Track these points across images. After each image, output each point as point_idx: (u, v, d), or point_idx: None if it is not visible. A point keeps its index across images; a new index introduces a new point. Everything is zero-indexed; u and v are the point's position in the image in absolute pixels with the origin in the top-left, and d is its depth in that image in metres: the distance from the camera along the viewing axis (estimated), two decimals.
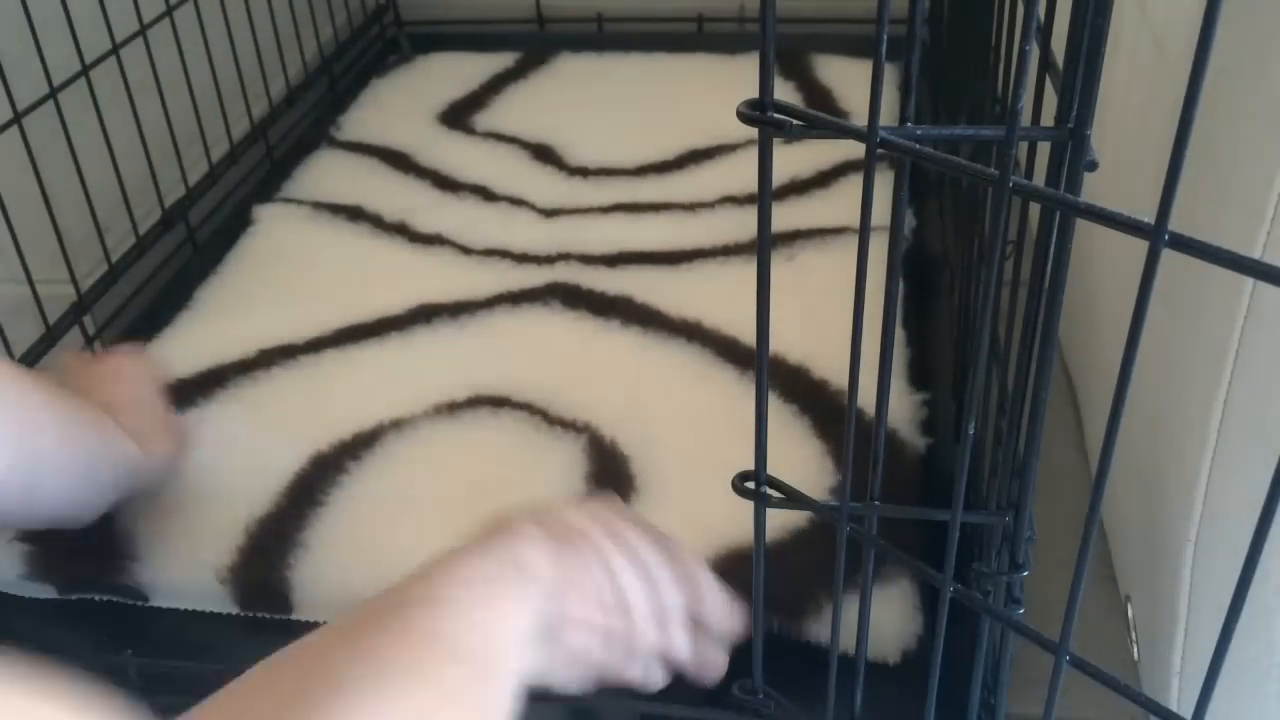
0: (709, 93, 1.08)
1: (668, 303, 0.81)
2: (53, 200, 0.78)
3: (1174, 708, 0.40)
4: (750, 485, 0.45)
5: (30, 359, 0.76)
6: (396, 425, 0.72)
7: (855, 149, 0.34)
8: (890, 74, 0.95)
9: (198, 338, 0.81)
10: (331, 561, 0.62)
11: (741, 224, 0.89)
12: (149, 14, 0.87)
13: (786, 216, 0.88)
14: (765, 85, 0.35)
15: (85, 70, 0.80)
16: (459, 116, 1.09)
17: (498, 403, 0.74)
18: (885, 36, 0.32)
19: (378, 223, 0.93)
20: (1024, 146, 0.35)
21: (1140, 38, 0.56)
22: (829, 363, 0.74)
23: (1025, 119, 0.36)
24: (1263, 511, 0.32)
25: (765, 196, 0.38)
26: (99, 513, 0.62)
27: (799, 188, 0.93)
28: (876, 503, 0.43)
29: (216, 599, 0.63)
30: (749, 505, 0.46)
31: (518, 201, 0.95)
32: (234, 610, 0.63)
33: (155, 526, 0.65)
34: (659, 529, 0.54)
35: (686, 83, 1.12)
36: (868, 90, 0.33)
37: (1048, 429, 0.38)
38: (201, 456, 0.70)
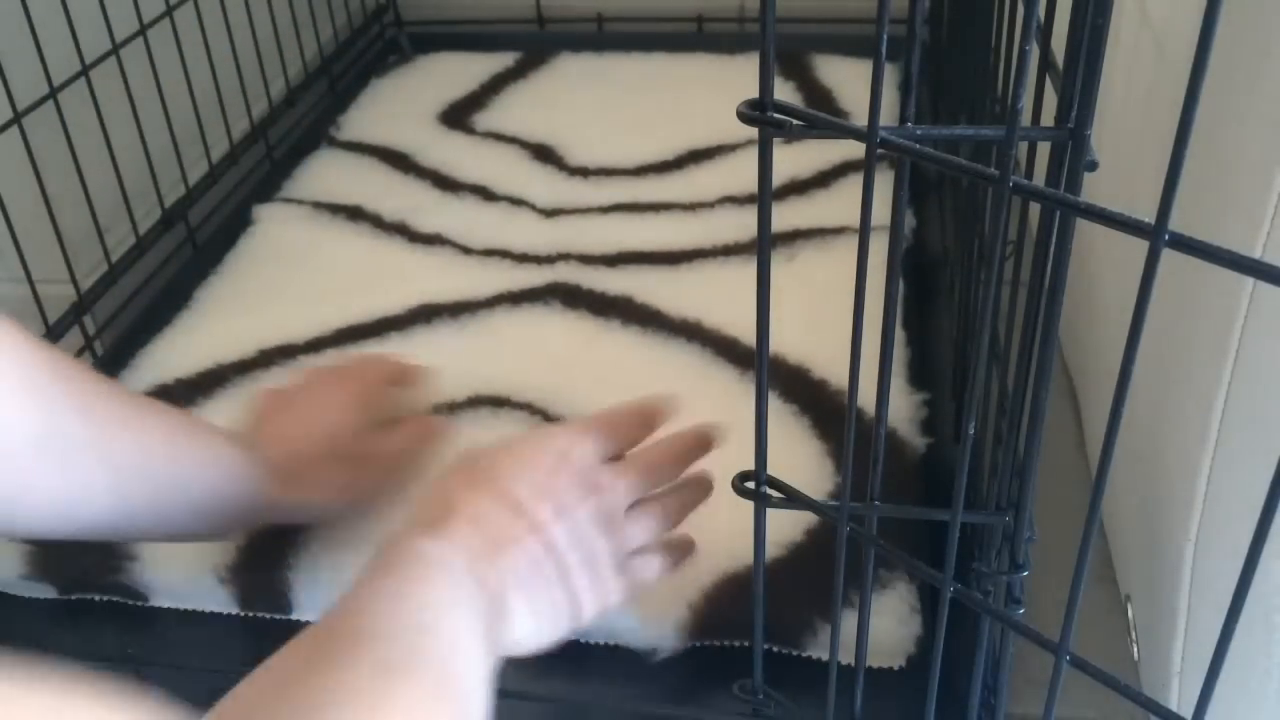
0: (709, 93, 1.08)
1: (668, 303, 0.81)
2: (53, 200, 0.78)
3: (1174, 708, 0.40)
4: (750, 485, 0.45)
5: None
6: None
7: (855, 149, 0.34)
8: (890, 74, 0.95)
9: (198, 338, 0.81)
10: (331, 561, 0.62)
11: (741, 224, 0.89)
12: (149, 14, 0.87)
13: (786, 216, 0.88)
14: (765, 85, 0.35)
15: (85, 70, 0.80)
16: (459, 116, 1.09)
17: (497, 403, 0.74)
18: (885, 36, 0.32)
19: (378, 223, 0.93)
20: (1024, 146, 0.35)
21: (1140, 38, 0.56)
22: (829, 363, 0.74)
23: (1025, 119, 0.36)
24: (1263, 511, 0.32)
25: (765, 196, 0.38)
26: (195, 537, 0.60)
27: (799, 188, 0.93)
28: (876, 503, 0.43)
29: (216, 599, 0.63)
30: (749, 505, 0.46)
31: (518, 201, 0.95)
32: (234, 610, 0.63)
33: None
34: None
35: (686, 83, 1.12)
36: (868, 90, 0.33)
37: (1048, 429, 0.38)
38: None
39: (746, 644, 0.54)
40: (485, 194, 0.97)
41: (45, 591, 0.65)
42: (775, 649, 0.57)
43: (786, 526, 0.62)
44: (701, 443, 0.59)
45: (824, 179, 0.93)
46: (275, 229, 0.93)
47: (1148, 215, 0.30)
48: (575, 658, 0.57)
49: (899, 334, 0.75)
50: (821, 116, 0.36)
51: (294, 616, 0.62)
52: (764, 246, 0.39)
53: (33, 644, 0.63)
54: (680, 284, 0.83)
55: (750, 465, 0.45)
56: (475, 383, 0.75)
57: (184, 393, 0.75)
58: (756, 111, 0.36)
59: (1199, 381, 0.45)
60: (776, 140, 0.37)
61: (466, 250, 0.89)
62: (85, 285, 0.82)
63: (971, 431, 0.38)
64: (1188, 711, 0.37)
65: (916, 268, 0.84)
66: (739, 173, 0.96)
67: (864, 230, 0.36)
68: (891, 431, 0.68)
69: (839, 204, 0.90)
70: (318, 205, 0.95)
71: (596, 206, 0.94)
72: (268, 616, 0.63)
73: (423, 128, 1.07)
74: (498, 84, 1.15)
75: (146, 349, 0.81)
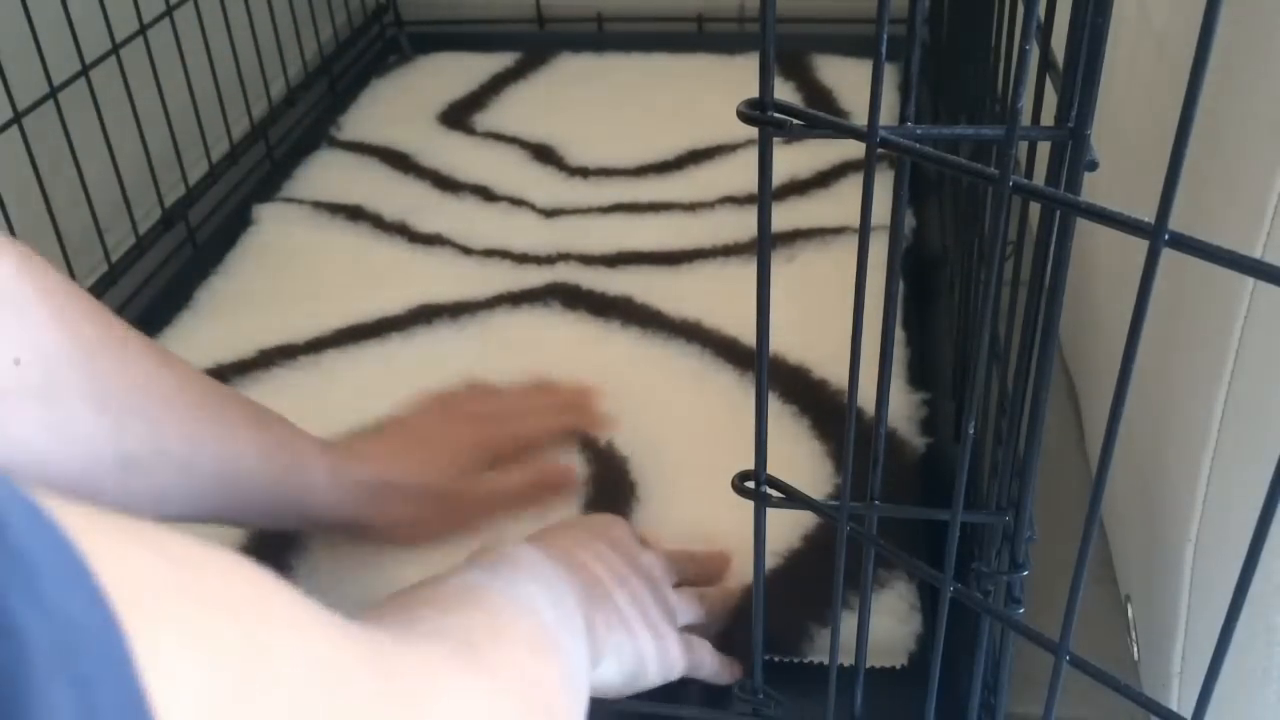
0: (709, 93, 1.08)
1: (668, 303, 0.81)
2: (52, 200, 0.78)
3: (1174, 708, 0.40)
4: (750, 485, 0.45)
5: None
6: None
7: (855, 149, 0.34)
8: (890, 74, 0.95)
9: (198, 338, 0.81)
10: (331, 561, 0.62)
11: (741, 224, 0.89)
12: (149, 14, 0.87)
13: (786, 216, 0.88)
14: (765, 85, 0.35)
15: (85, 70, 0.80)
16: (459, 116, 1.09)
17: None
18: (885, 36, 0.32)
19: (378, 223, 0.93)
20: (1024, 146, 0.35)
21: (1140, 38, 0.56)
22: (829, 363, 0.74)
23: (1025, 119, 0.36)
24: (1262, 511, 0.32)
25: (765, 196, 0.38)
26: (272, 525, 0.60)
27: (799, 188, 0.93)
28: (876, 502, 0.43)
29: None
30: (749, 506, 0.46)
31: (518, 201, 0.95)
32: None
33: None
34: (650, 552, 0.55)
35: (686, 83, 1.12)
36: (868, 90, 0.33)
37: (1048, 429, 0.38)
38: None
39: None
40: (485, 194, 0.97)
41: None
42: (774, 658, 0.57)
43: (785, 532, 0.62)
44: (720, 563, 0.60)
45: (824, 179, 0.94)
46: (275, 229, 0.93)
47: (1148, 215, 0.30)
48: None
49: (899, 334, 0.75)
50: (821, 116, 0.36)
51: None
52: (764, 246, 0.39)
53: None
54: (680, 284, 0.83)
55: (750, 465, 0.45)
56: (475, 383, 0.75)
57: None
58: (756, 111, 0.36)
59: (1199, 381, 0.45)
60: (776, 140, 0.37)
61: (466, 250, 0.89)
62: (85, 285, 0.82)
63: (971, 431, 0.38)
64: (1188, 711, 0.37)
65: (916, 268, 0.84)
66: (739, 173, 0.96)
67: (864, 230, 0.36)
68: (891, 431, 0.68)
69: (839, 204, 0.90)
70: (318, 205, 0.95)
71: (596, 207, 0.94)
72: None
73: (423, 128, 1.08)
74: (498, 84, 1.15)
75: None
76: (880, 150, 0.34)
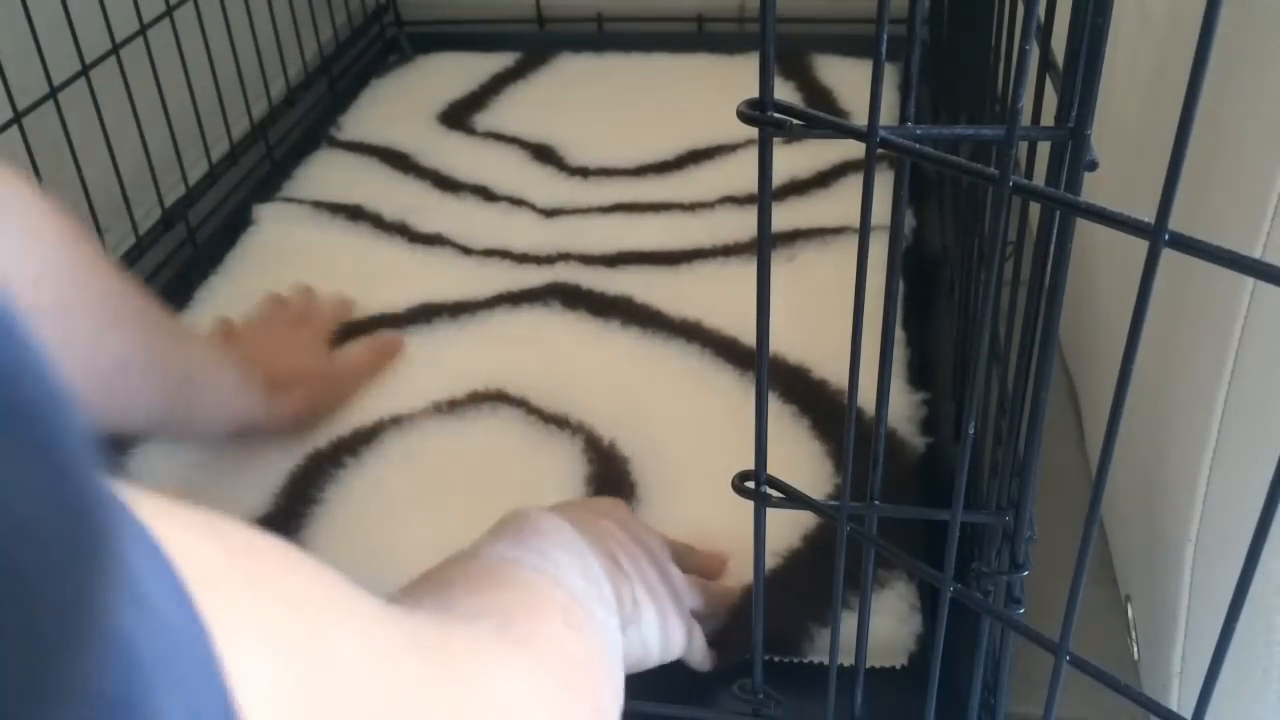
0: (709, 93, 1.08)
1: (668, 303, 0.81)
2: None
3: (1174, 708, 0.40)
4: (750, 485, 0.45)
5: None
6: (396, 423, 0.72)
7: (855, 149, 0.34)
8: (890, 74, 0.95)
9: None
10: (331, 560, 0.62)
11: (741, 224, 0.89)
12: (149, 14, 0.87)
13: (786, 216, 0.88)
14: (765, 85, 0.35)
15: (85, 70, 0.80)
16: (459, 116, 1.09)
17: (497, 402, 0.74)
18: (885, 36, 0.32)
19: (378, 223, 0.93)
20: (1024, 146, 0.35)
21: (1140, 38, 0.56)
22: (829, 363, 0.74)
23: (1025, 119, 0.36)
24: (1263, 511, 0.32)
25: (765, 196, 0.38)
26: (195, 434, 0.66)
27: (799, 188, 0.93)
28: (876, 502, 0.43)
29: None
30: (748, 506, 0.46)
31: (518, 201, 0.95)
32: None
33: None
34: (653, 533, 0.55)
35: (686, 83, 1.12)
36: (868, 90, 0.33)
37: (1048, 429, 0.38)
38: (199, 454, 0.70)
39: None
40: (485, 194, 0.97)
41: None
42: (775, 659, 0.57)
43: (785, 532, 0.62)
44: (717, 563, 0.61)
45: (824, 179, 0.93)
46: (275, 229, 0.93)
47: (1148, 215, 0.30)
48: None
49: (899, 334, 0.75)
50: (821, 116, 0.36)
51: None
52: (764, 246, 0.39)
53: None
54: (680, 284, 0.83)
55: (750, 465, 0.45)
56: (475, 382, 0.75)
57: None
58: (756, 111, 0.36)
59: (1199, 381, 0.45)
60: (776, 140, 0.37)
61: (466, 250, 0.89)
62: None
63: (971, 431, 0.38)
64: (1188, 711, 0.37)
65: (916, 268, 0.84)
66: (739, 173, 0.96)
67: (864, 230, 0.36)
68: (891, 431, 0.68)
69: (839, 204, 0.90)
70: (318, 205, 0.95)
71: (596, 207, 0.94)
72: None
73: (423, 128, 1.07)
74: (498, 84, 1.15)
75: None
76: (880, 150, 0.34)
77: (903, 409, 0.70)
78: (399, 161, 1.02)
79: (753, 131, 0.36)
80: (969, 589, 0.43)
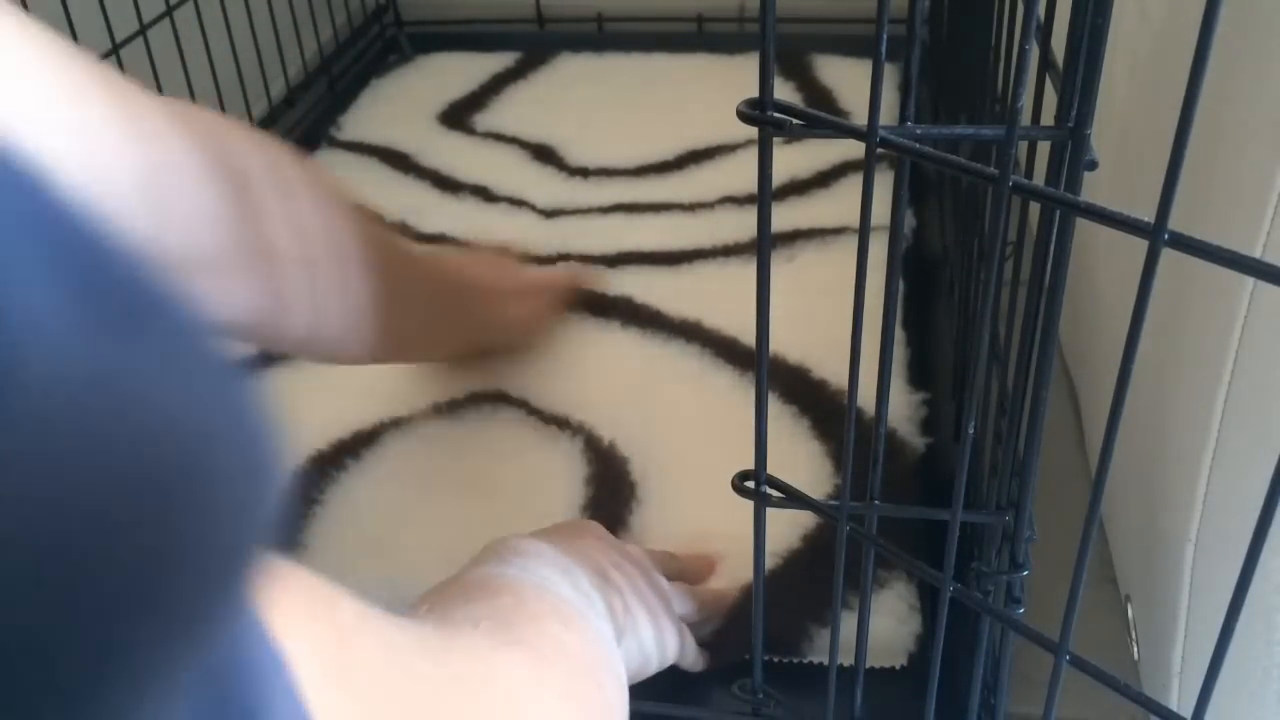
0: (709, 93, 1.08)
1: (668, 303, 0.81)
2: None
3: (1174, 708, 0.40)
4: (750, 485, 0.45)
5: None
6: (396, 424, 0.72)
7: (855, 149, 0.34)
8: (890, 74, 0.95)
9: None
10: (331, 560, 0.62)
11: (741, 224, 0.89)
12: (149, 14, 0.87)
13: (786, 216, 0.88)
14: (765, 85, 0.35)
15: None
16: (459, 116, 1.09)
17: (497, 403, 0.74)
18: (885, 36, 0.32)
19: (378, 223, 0.93)
20: (1024, 146, 0.35)
21: (1140, 38, 0.56)
22: (829, 363, 0.74)
23: (1025, 118, 0.36)
24: (1262, 511, 0.32)
25: (765, 196, 0.38)
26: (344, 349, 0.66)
27: (799, 188, 0.93)
28: (876, 502, 0.43)
29: None
30: (748, 506, 0.46)
31: (518, 202, 0.95)
32: None
33: None
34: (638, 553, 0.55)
35: (686, 83, 1.12)
36: (868, 90, 0.33)
37: (1048, 429, 0.38)
38: None
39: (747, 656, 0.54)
40: (485, 194, 0.97)
41: None
42: (774, 659, 0.57)
43: (784, 532, 0.62)
44: (705, 565, 0.61)
45: (824, 179, 0.93)
46: None
47: (1147, 215, 0.30)
48: None
49: (899, 334, 0.75)
50: (821, 116, 0.36)
51: None
52: (764, 246, 0.39)
53: None
54: (680, 284, 0.83)
55: (750, 465, 0.45)
56: (474, 381, 0.75)
57: None
58: (756, 111, 0.36)
59: (1199, 381, 0.45)
60: (776, 140, 0.37)
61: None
62: None
63: (971, 431, 0.38)
64: (1188, 711, 0.37)
65: (916, 268, 0.84)
66: (739, 173, 0.96)
67: (864, 230, 0.36)
68: (891, 431, 0.68)
69: (839, 204, 0.90)
70: None
71: (596, 207, 0.94)
72: None
73: (423, 128, 1.07)
74: (498, 84, 1.15)
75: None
76: (880, 150, 0.34)
77: (903, 409, 0.70)
78: (399, 162, 1.02)
79: (753, 131, 0.36)
80: (969, 589, 0.43)
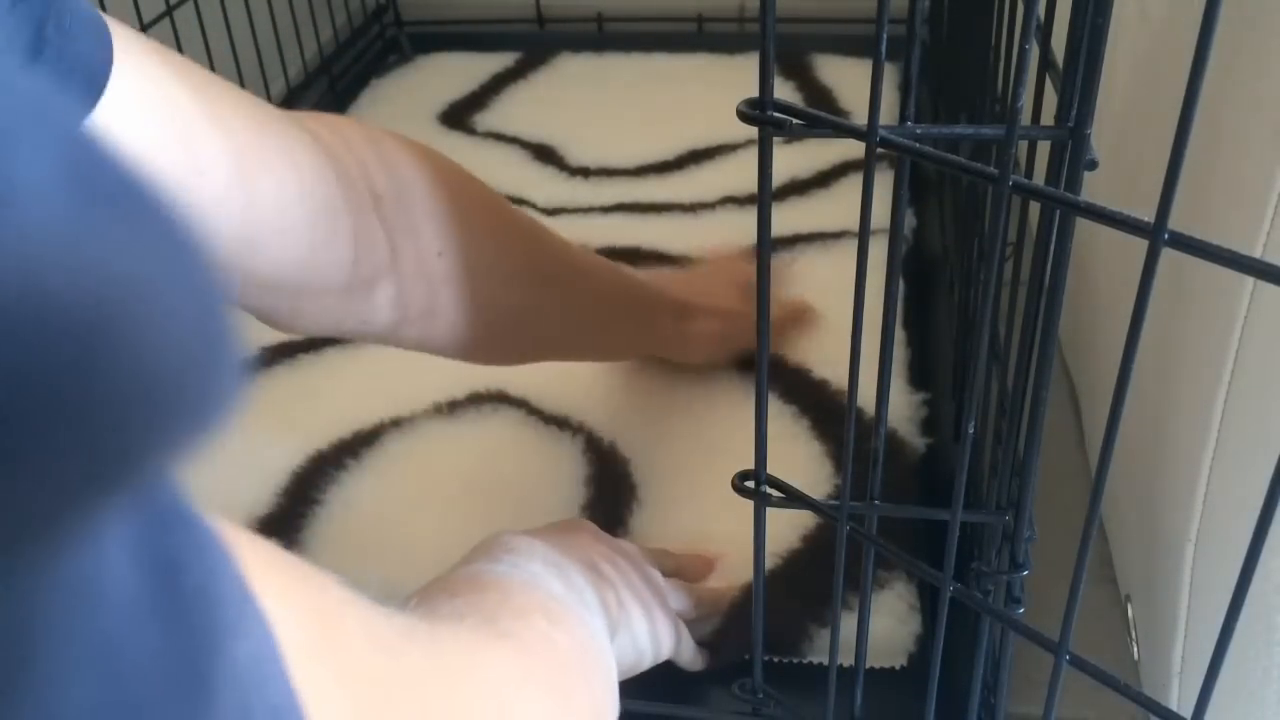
0: (709, 93, 1.08)
1: None
2: None
3: (1174, 708, 0.40)
4: (750, 485, 0.45)
5: None
6: (396, 424, 0.72)
7: (855, 149, 0.34)
8: (890, 74, 0.95)
9: None
10: (331, 561, 0.62)
11: (742, 224, 0.89)
12: (149, 14, 0.87)
13: (787, 216, 0.88)
14: (765, 84, 0.35)
15: None
16: (459, 116, 1.09)
17: (498, 402, 0.74)
18: (885, 36, 0.32)
19: None
20: (1024, 145, 0.35)
21: (1140, 38, 0.56)
22: (829, 363, 0.74)
23: (1025, 118, 0.36)
24: (1262, 511, 0.32)
25: (765, 196, 0.38)
26: (607, 358, 0.73)
27: (799, 188, 0.93)
28: (876, 502, 0.43)
29: None
30: (748, 506, 0.46)
31: (518, 202, 0.95)
32: None
33: None
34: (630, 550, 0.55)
35: (686, 83, 1.12)
36: (868, 90, 0.33)
37: (1048, 429, 0.38)
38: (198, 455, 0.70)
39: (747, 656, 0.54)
40: None
41: None
42: (774, 659, 0.57)
43: (784, 532, 0.62)
44: (702, 565, 0.61)
45: (824, 179, 0.93)
46: None
47: (1147, 215, 0.30)
48: None
49: (899, 334, 0.75)
50: (821, 116, 0.36)
51: None
52: (764, 246, 0.39)
53: None
54: None
55: (750, 465, 0.45)
56: (475, 383, 0.75)
57: None
58: (756, 111, 0.36)
59: (1199, 381, 0.45)
60: (776, 140, 0.37)
61: None
62: None
63: (971, 431, 0.38)
64: (1188, 711, 0.37)
65: (916, 268, 0.84)
66: (739, 173, 0.96)
67: (864, 230, 0.36)
68: (891, 431, 0.68)
69: (839, 204, 0.90)
70: None
71: (597, 206, 0.94)
72: None
73: (423, 128, 1.07)
74: (498, 84, 1.15)
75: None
76: (880, 150, 0.34)
77: (903, 409, 0.70)
78: None
79: (753, 131, 0.36)
80: (969, 589, 0.43)
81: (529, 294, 0.58)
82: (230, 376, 0.14)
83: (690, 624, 0.56)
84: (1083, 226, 0.33)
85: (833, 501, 0.44)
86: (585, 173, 0.99)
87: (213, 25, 0.96)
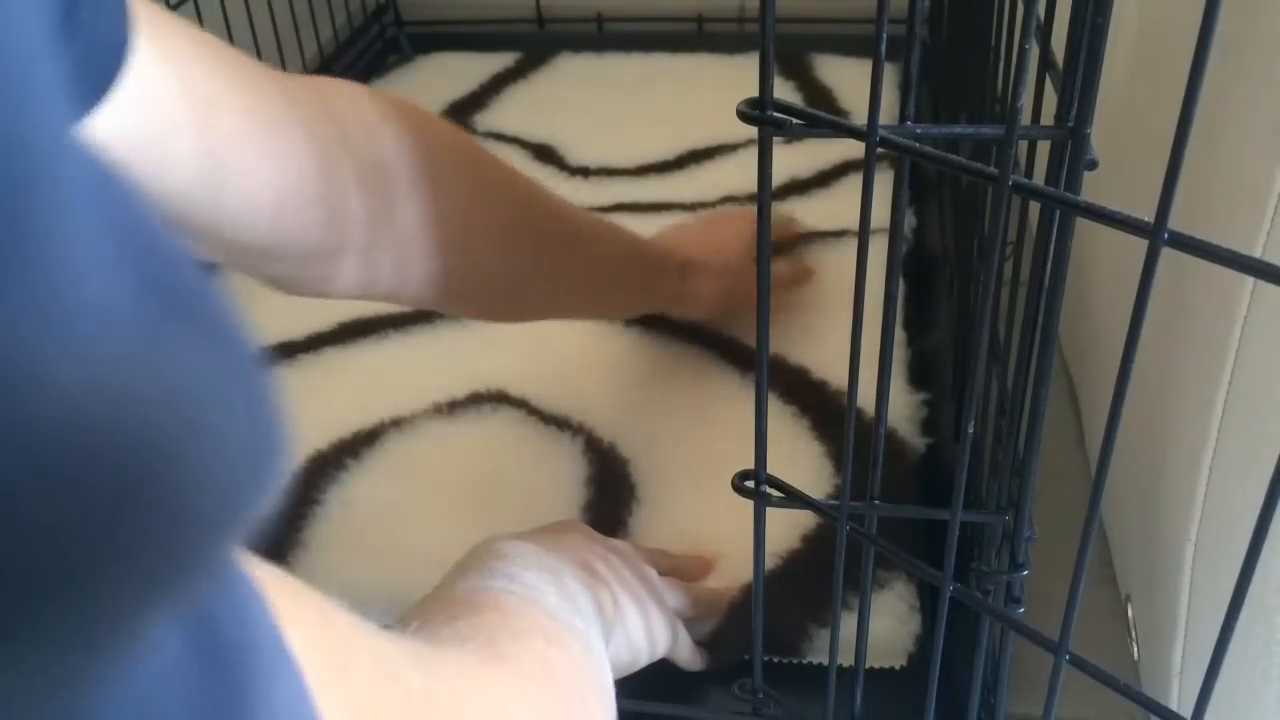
0: (709, 93, 1.08)
1: None
2: None
3: (1174, 708, 0.40)
4: (750, 485, 0.45)
5: None
6: (396, 424, 0.72)
7: (855, 149, 0.34)
8: (890, 74, 0.95)
9: None
10: (330, 561, 0.62)
11: None
12: None
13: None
14: (765, 84, 0.35)
15: None
16: (459, 116, 1.09)
17: (498, 403, 0.74)
18: (885, 36, 0.32)
19: None
20: (1024, 145, 0.35)
21: (1140, 38, 0.56)
22: (829, 363, 0.74)
23: (1025, 118, 0.36)
24: (1262, 511, 0.32)
25: (765, 196, 0.38)
26: (610, 317, 0.76)
27: (799, 187, 0.93)
28: (876, 502, 0.43)
29: None
30: (748, 506, 0.46)
31: None
32: None
33: None
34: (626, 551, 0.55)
35: (686, 83, 1.12)
36: (868, 90, 0.33)
37: (1048, 429, 0.38)
38: None
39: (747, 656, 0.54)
40: None
41: None
42: (774, 659, 0.57)
43: (784, 532, 0.62)
44: (700, 565, 0.61)
45: (824, 179, 0.93)
46: None
47: (1147, 215, 0.30)
48: None
49: (899, 334, 0.75)
50: (821, 115, 0.36)
51: None
52: (764, 246, 0.39)
53: None
54: None
55: (750, 465, 0.45)
56: (475, 381, 0.75)
57: None
58: (756, 111, 0.36)
59: (1199, 381, 0.45)
60: (776, 140, 0.37)
61: None
62: None
63: (971, 431, 0.38)
64: (1188, 711, 0.37)
65: (916, 268, 0.84)
66: (739, 173, 0.96)
67: (864, 230, 0.36)
68: (891, 431, 0.68)
69: (839, 204, 0.90)
70: None
71: (597, 206, 0.94)
72: None
73: None
74: (498, 84, 1.15)
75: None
76: (880, 150, 0.34)
77: (903, 409, 0.70)
78: None
79: (753, 131, 0.36)
80: (969, 589, 0.43)
81: (522, 252, 0.58)
82: (280, 467, 0.15)
83: (690, 624, 0.56)
84: (1083, 226, 0.33)
85: (833, 501, 0.44)
86: (585, 172, 0.99)
87: (213, 25, 0.96)
